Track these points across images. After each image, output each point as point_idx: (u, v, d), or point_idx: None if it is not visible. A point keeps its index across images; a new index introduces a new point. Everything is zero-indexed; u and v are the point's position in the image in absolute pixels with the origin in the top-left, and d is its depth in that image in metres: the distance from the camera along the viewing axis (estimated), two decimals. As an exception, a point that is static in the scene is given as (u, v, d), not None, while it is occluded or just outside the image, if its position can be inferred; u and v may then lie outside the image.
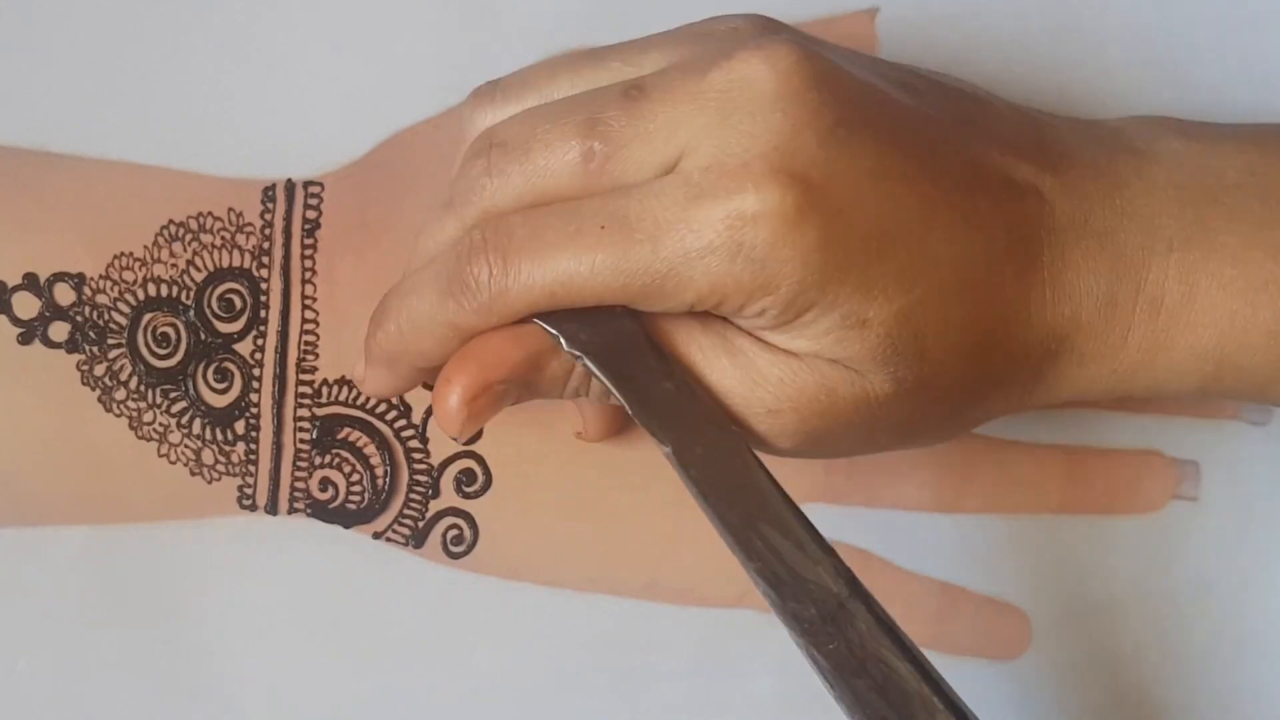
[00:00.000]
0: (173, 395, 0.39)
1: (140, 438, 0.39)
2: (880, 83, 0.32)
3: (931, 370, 0.31)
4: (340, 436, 0.39)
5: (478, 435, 0.39)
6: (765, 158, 0.29)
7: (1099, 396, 0.34)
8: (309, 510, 0.39)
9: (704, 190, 0.29)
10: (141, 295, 0.39)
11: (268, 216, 0.39)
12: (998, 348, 0.32)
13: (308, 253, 0.39)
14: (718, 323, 0.31)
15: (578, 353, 0.31)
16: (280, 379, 0.39)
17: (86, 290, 0.39)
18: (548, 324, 0.31)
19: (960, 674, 0.41)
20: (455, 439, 0.32)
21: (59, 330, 0.39)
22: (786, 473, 0.40)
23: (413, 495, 0.39)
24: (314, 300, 0.39)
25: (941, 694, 0.31)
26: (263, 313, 0.39)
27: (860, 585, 0.31)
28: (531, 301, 0.30)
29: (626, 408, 0.31)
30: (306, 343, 0.39)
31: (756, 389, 0.31)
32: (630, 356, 0.31)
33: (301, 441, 0.39)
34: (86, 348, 0.39)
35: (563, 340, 0.31)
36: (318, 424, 0.39)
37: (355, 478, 0.39)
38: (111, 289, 0.39)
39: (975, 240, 0.31)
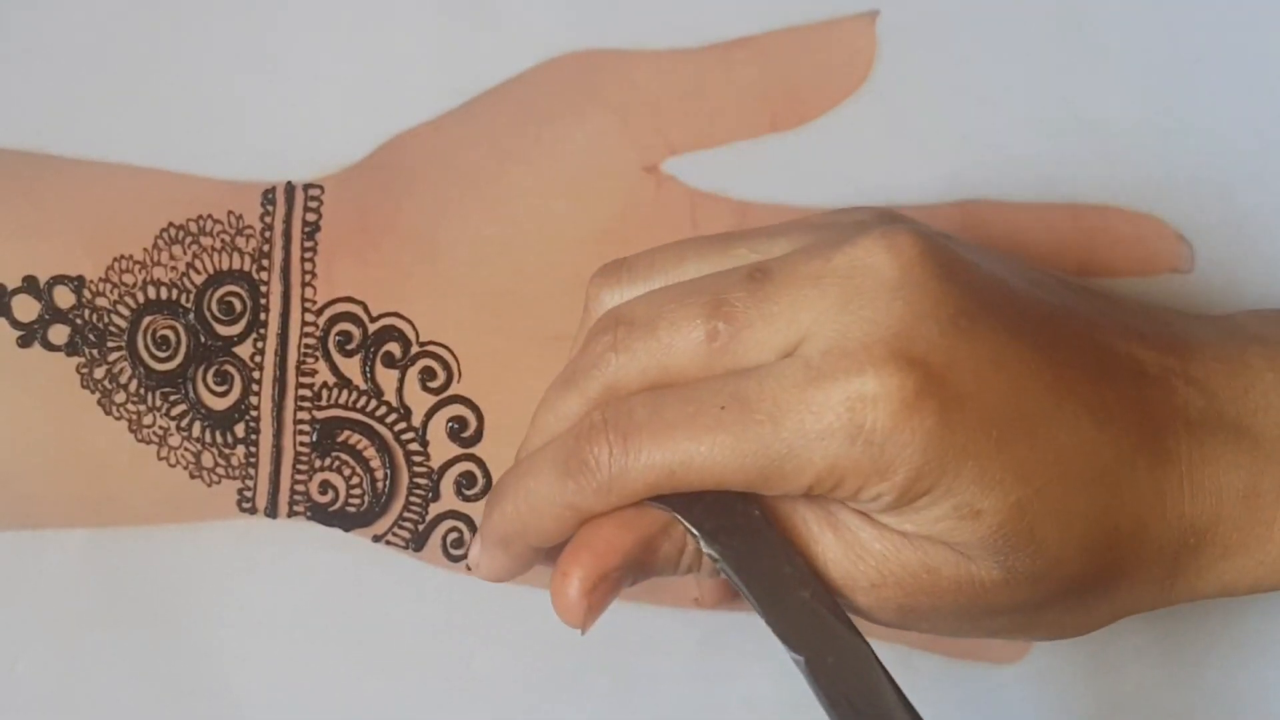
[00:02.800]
0: (172, 398, 0.39)
1: (140, 441, 0.39)
2: (1004, 274, 0.32)
3: (1047, 563, 0.31)
4: (340, 439, 0.39)
5: (477, 437, 0.39)
6: (885, 343, 0.29)
7: (1248, 589, 0.34)
8: (309, 513, 0.39)
9: (824, 372, 0.29)
10: (141, 298, 0.39)
11: (267, 219, 0.39)
12: (1127, 542, 0.32)
13: (307, 255, 0.39)
14: (823, 498, 0.31)
15: (714, 555, 0.31)
16: (280, 382, 0.39)
17: (86, 293, 0.39)
18: (678, 513, 0.31)
19: (962, 677, 0.41)
20: (580, 631, 0.32)
21: (59, 333, 0.39)
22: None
23: (412, 498, 0.39)
24: (314, 303, 0.39)
25: None
26: (262, 315, 0.39)
27: None
28: (651, 482, 0.30)
29: (760, 613, 0.31)
30: (306, 345, 0.39)
31: (859, 563, 0.31)
32: (762, 556, 0.31)
33: (301, 444, 0.39)
34: (86, 350, 0.38)
35: (701, 540, 0.31)
36: (317, 427, 0.39)
37: (355, 481, 0.39)
38: (111, 292, 0.39)
39: (1104, 432, 0.31)
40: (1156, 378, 0.32)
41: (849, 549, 0.31)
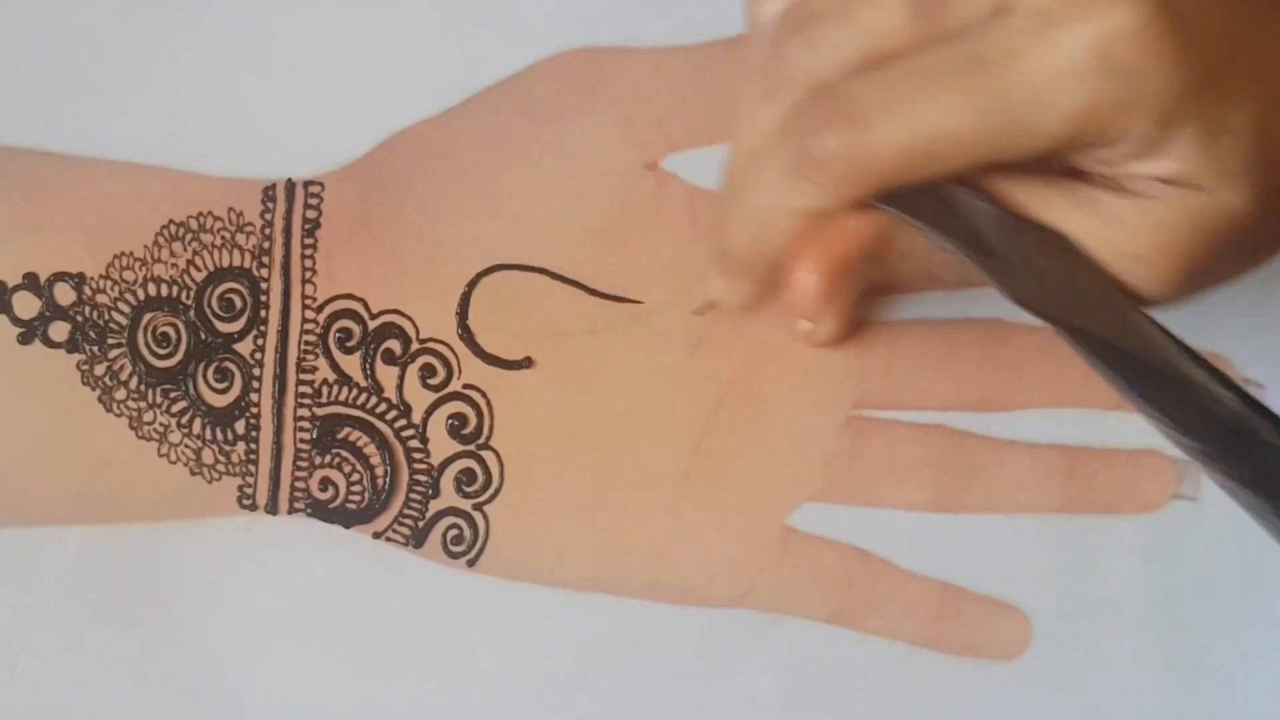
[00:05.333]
0: (173, 395, 0.39)
1: (140, 437, 0.39)
2: None
3: None
4: (340, 436, 0.39)
5: (477, 434, 0.39)
6: None
7: None
8: (309, 510, 0.39)
9: (1065, 14, 0.28)
10: (142, 295, 0.39)
11: (268, 216, 0.39)
12: None
13: (308, 252, 0.39)
14: (1062, 178, 0.31)
15: (941, 234, 0.30)
16: (280, 379, 0.39)
17: (87, 290, 0.39)
18: (906, 213, 0.30)
19: (960, 674, 0.41)
20: (811, 325, 0.31)
21: (59, 330, 0.39)
22: (785, 476, 0.40)
23: (413, 495, 0.39)
24: (314, 300, 0.39)
25: None
26: (263, 312, 0.39)
27: (1261, 406, 0.30)
28: (893, 162, 0.29)
29: (1005, 293, 0.30)
30: (307, 342, 0.39)
31: (1116, 234, 0.30)
32: (997, 233, 0.30)
33: (302, 441, 0.39)
34: (87, 347, 0.38)
35: (936, 234, 0.30)
36: (318, 424, 0.39)
37: (355, 477, 0.39)
38: (112, 289, 0.39)
39: None
40: None
41: (1104, 224, 0.30)
